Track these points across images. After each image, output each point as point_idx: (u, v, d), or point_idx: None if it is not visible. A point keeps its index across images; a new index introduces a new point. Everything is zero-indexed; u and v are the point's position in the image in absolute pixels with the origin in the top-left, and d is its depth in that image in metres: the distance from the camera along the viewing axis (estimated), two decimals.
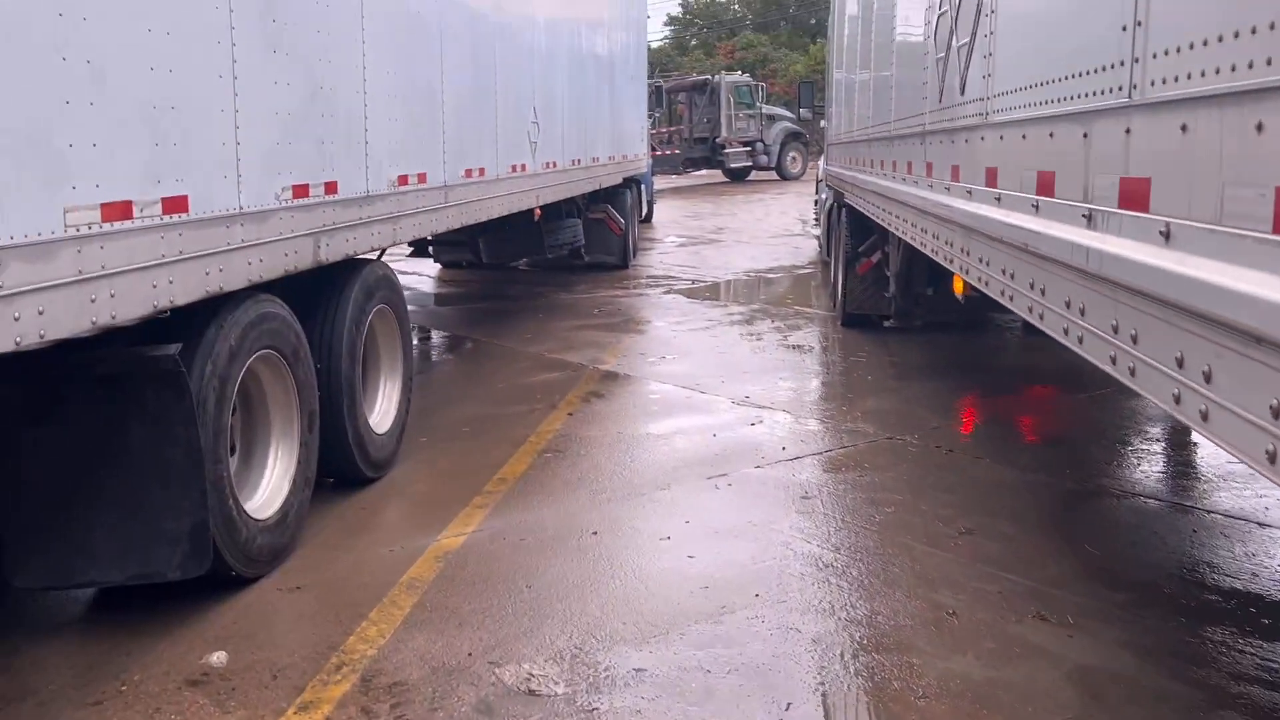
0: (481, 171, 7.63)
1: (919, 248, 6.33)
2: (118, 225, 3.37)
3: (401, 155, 5.97)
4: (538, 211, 9.75)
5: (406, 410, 6.25)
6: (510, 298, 12.88)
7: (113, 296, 3.34)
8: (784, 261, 16.22)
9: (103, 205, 3.30)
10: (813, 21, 65.32)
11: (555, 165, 10.21)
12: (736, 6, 67.24)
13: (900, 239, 7.34)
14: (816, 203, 17.55)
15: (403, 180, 5.99)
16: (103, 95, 3.30)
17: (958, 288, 6.47)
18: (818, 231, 16.00)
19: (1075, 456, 6.22)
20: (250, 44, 4.22)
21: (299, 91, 4.69)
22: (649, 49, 56.93)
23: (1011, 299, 3.87)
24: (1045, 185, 3.38)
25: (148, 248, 3.54)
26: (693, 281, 14.15)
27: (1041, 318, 3.46)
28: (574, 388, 8.08)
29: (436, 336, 10.67)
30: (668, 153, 33.58)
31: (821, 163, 16.88)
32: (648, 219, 22.58)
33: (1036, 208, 3.46)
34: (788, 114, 36.40)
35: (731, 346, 9.73)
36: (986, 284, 4.28)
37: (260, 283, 4.34)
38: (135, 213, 3.47)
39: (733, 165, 34.36)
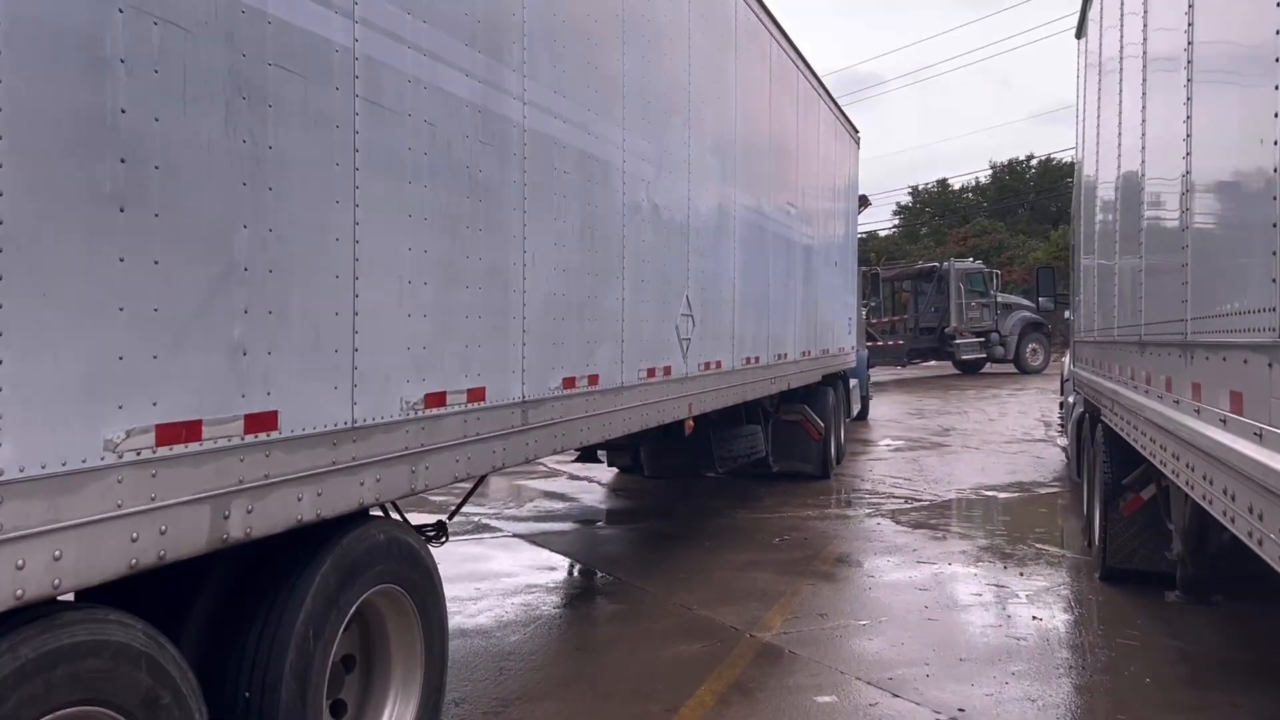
0: (593, 380, 5.77)
1: (1200, 501, 4.02)
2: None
3: (434, 363, 4.17)
4: (689, 424, 7.80)
5: None
6: (679, 515, 10.85)
7: None
8: (1023, 476, 13.44)
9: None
10: (1054, 209, 62.34)
11: (719, 366, 8.28)
12: (970, 195, 65.24)
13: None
14: (1062, 405, 14.76)
15: (434, 401, 4.17)
16: None
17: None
18: (1064, 442, 13.23)
19: None
20: None
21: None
22: (877, 237, 55.39)
23: None
24: None
25: None
26: (906, 501, 11.66)
27: None
28: (710, 676, 5.83)
29: (563, 570, 8.71)
30: (891, 343, 31.23)
31: (1067, 359, 14.21)
32: (862, 416, 20.21)
33: None
34: (1026, 303, 33.41)
35: (948, 609, 7.22)
36: None
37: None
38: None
39: (964, 357, 31.52)
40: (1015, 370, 31.94)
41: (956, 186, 65.24)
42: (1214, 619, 6.90)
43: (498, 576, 8.23)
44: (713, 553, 8.97)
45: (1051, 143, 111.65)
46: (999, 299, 31.81)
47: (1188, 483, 4.38)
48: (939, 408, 23.09)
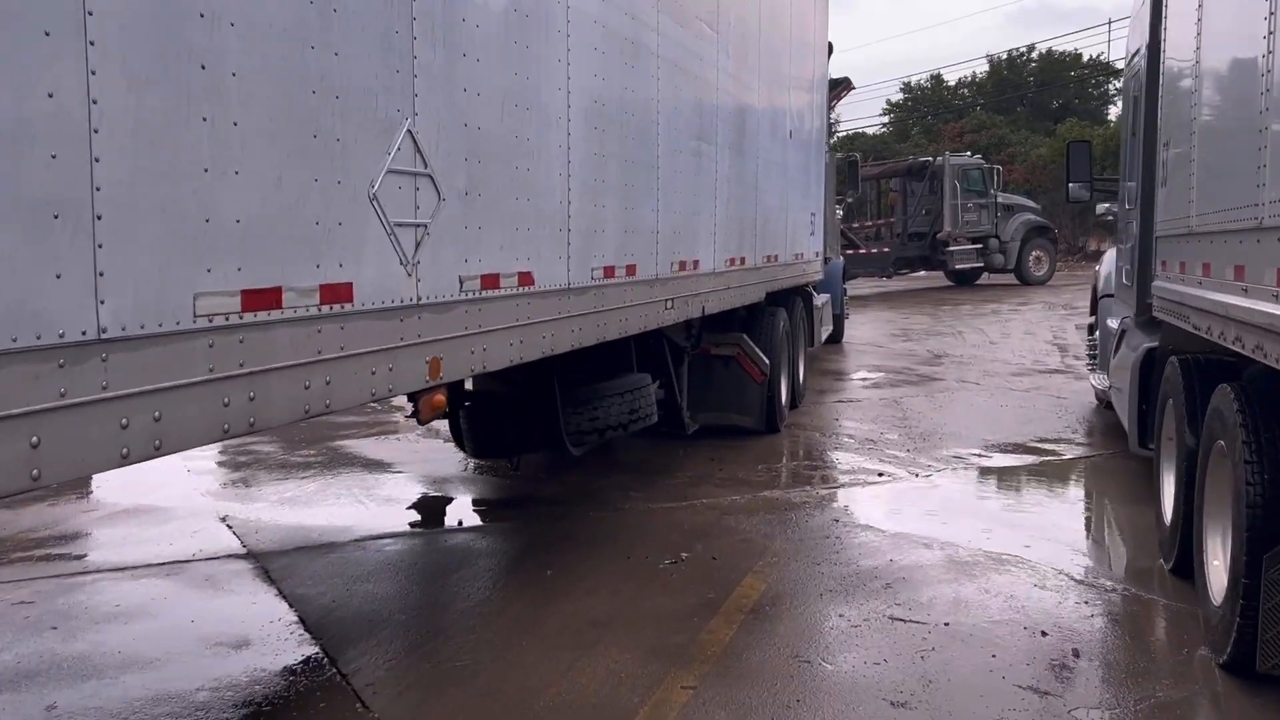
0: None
1: None
2: None
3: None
4: (436, 399, 4.07)
5: None
6: (534, 506, 7.20)
7: None
8: (1043, 428, 9.80)
9: None
10: (1055, 105, 57.95)
11: (527, 282, 4.53)
12: (966, 90, 60.75)
13: None
14: (1092, 328, 11.04)
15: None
16: None
17: None
18: (1100, 381, 9.59)
19: None
20: None
21: None
22: (865, 136, 51.00)
23: None
24: None
25: None
26: (880, 476, 8.02)
27: None
28: None
29: (255, 656, 5.06)
30: (874, 251, 27.36)
31: (1103, 267, 10.46)
32: (835, 339, 16.53)
33: None
34: (1031, 204, 29.55)
35: None
36: None
37: None
38: None
39: (958, 266, 27.69)
40: (1016, 281, 28.17)
41: (952, 81, 60.62)
42: None
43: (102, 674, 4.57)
44: (547, 599, 5.32)
45: (1052, 33, 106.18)
46: (999, 199, 27.87)
47: None
48: (929, 327, 19.38)
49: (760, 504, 7.17)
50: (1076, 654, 4.57)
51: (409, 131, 3.61)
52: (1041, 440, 9.33)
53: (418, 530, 6.75)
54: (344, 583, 5.59)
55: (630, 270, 5.57)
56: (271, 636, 4.90)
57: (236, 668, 4.54)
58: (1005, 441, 9.25)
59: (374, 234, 3.46)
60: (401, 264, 3.60)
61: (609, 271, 5.29)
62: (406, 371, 3.66)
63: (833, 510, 7.07)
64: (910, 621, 4.94)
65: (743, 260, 8.04)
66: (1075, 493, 7.97)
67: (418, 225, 3.71)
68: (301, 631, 4.96)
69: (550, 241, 4.77)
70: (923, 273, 29.68)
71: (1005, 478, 8.08)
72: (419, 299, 3.71)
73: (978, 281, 29.11)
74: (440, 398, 4.06)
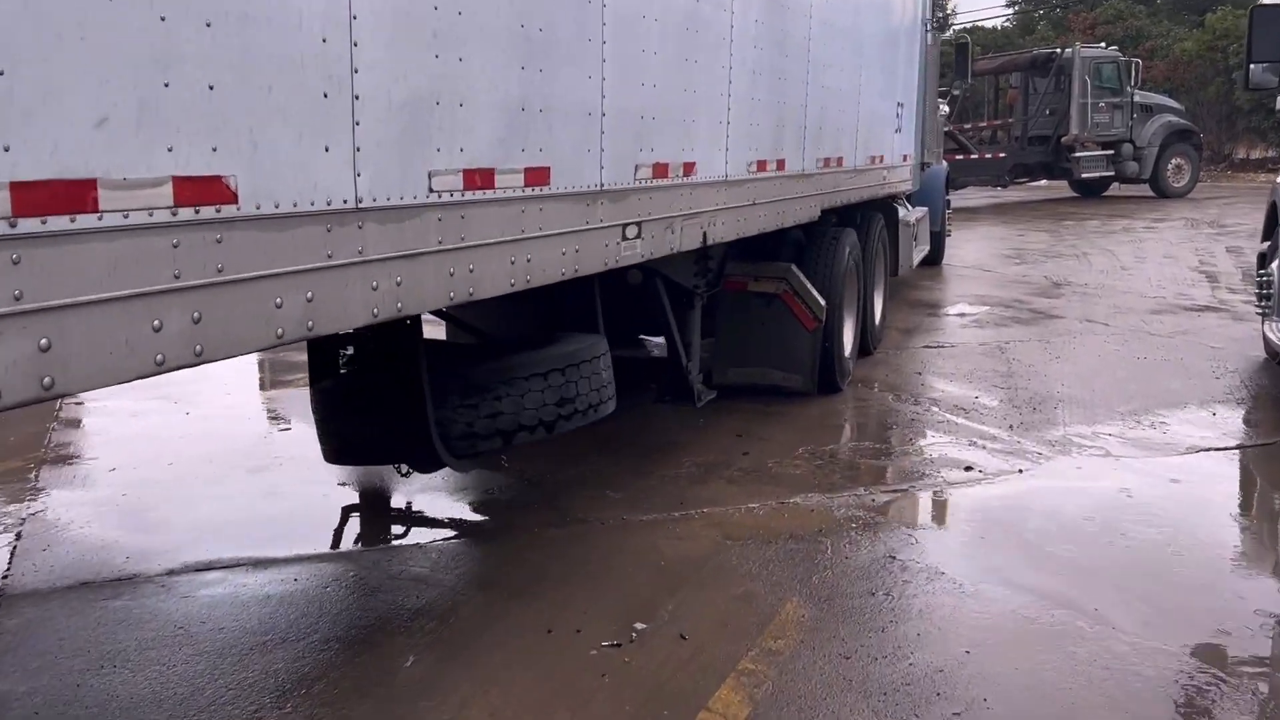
0: None
1: None
2: None
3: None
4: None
5: None
6: (474, 509, 5.12)
7: None
8: (1198, 393, 7.27)
9: None
10: None
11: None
12: None
13: None
14: (1265, 258, 8.34)
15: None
16: None
17: None
18: (1277, 334, 7.03)
19: None
20: None
21: None
22: (981, 30, 46.50)
23: None
24: None
25: None
26: (967, 471, 5.69)
27: None
28: None
29: None
30: (988, 156, 24.15)
31: None
32: (934, 260, 13.93)
33: None
34: (1173, 104, 25.84)
35: None
36: None
37: None
38: None
39: (1085, 174, 24.31)
40: (1152, 193, 24.70)
41: None
42: None
43: None
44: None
45: None
46: (1136, 98, 24.27)
47: None
48: (1047, 247, 16.53)
49: (786, 520, 4.94)
50: None
51: None
52: (1204, 405, 6.83)
53: (252, 561, 4.67)
54: (86, 666, 3.57)
55: (538, 177, 3.31)
56: None
57: None
58: (1146, 414, 6.78)
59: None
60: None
61: (482, 179, 3.06)
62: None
63: (891, 535, 4.80)
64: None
65: (780, 164, 5.65)
66: (1251, 503, 5.52)
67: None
68: None
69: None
70: (1044, 182, 26.36)
71: (1151, 478, 5.66)
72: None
73: (1106, 193, 25.72)
74: None
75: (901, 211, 9.91)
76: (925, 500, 5.34)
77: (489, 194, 3.13)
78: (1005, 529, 4.88)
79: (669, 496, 5.24)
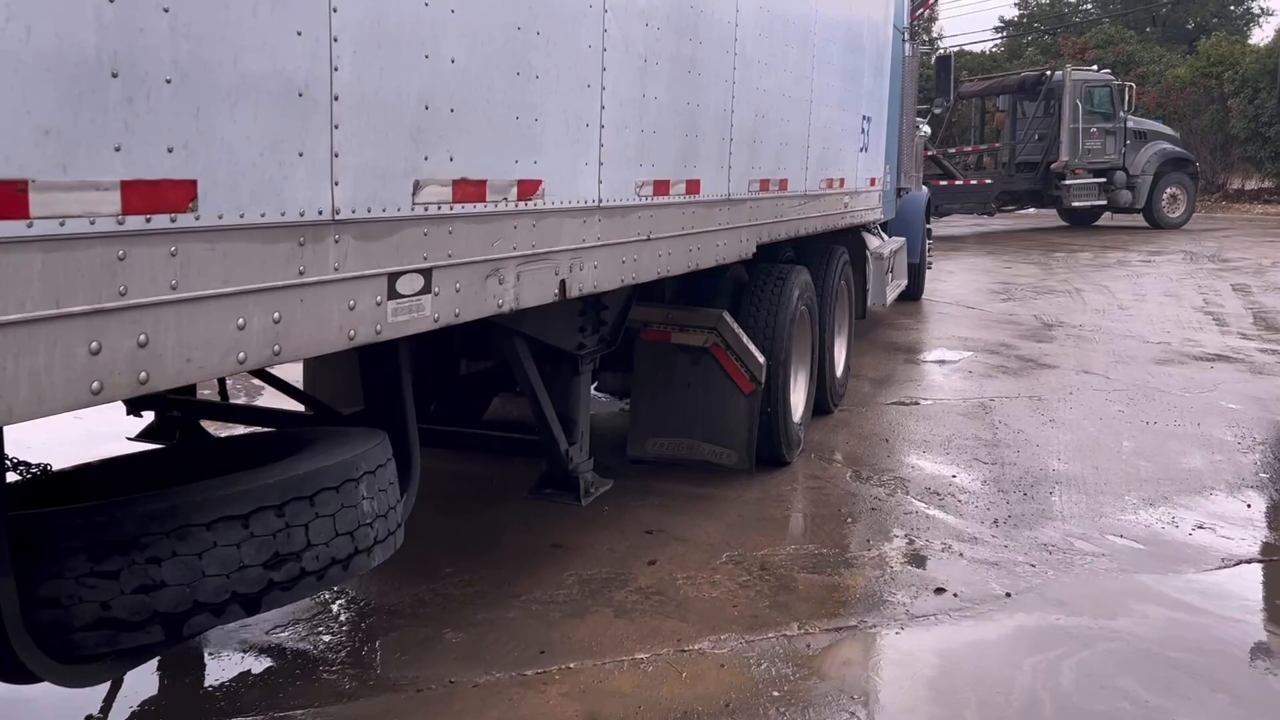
0: None
1: None
2: None
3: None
4: None
5: None
6: (202, 698, 3.69)
7: None
8: (1233, 468, 5.87)
9: None
10: (1191, 24, 51.62)
11: None
12: (1089, 6, 54.65)
13: None
14: None
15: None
16: None
17: None
18: None
19: None
20: None
21: None
22: (968, 54, 45.40)
23: None
24: None
25: None
26: (938, 594, 4.28)
27: None
28: None
29: None
30: (974, 182, 22.86)
31: None
32: (913, 294, 12.54)
33: None
34: (1167, 130, 24.66)
35: None
36: None
37: None
38: None
39: (1075, 203, 23.02)
40: (1145, 224, 23.48)
41: None
42: None
43: None
44: None
45: None
46: (1130, 124, 23.06)
47: None
48: (1037, 281, 15.20)
49: (682, 686, 3.51)
50: None
51: None
52: (1226, 502, 5.43)
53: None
54: None
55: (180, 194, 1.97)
56: None
57: None
58: (1163, 503, 5.38)
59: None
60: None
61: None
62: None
63: (826, 715, 3.37)
64: None
65: (693, 185, 4.24)
66: None
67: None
68: None
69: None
70: (1032, 210, 25.09)
71: (1190, 612, 4.24)
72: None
73: (1097, 223, 24.48)
74: None
75: (873, 243, 8.53)
76: (878, 647, 3.91)
77: None
78: (984, 710, 3.45)
79: (528, 640, 3.80)
